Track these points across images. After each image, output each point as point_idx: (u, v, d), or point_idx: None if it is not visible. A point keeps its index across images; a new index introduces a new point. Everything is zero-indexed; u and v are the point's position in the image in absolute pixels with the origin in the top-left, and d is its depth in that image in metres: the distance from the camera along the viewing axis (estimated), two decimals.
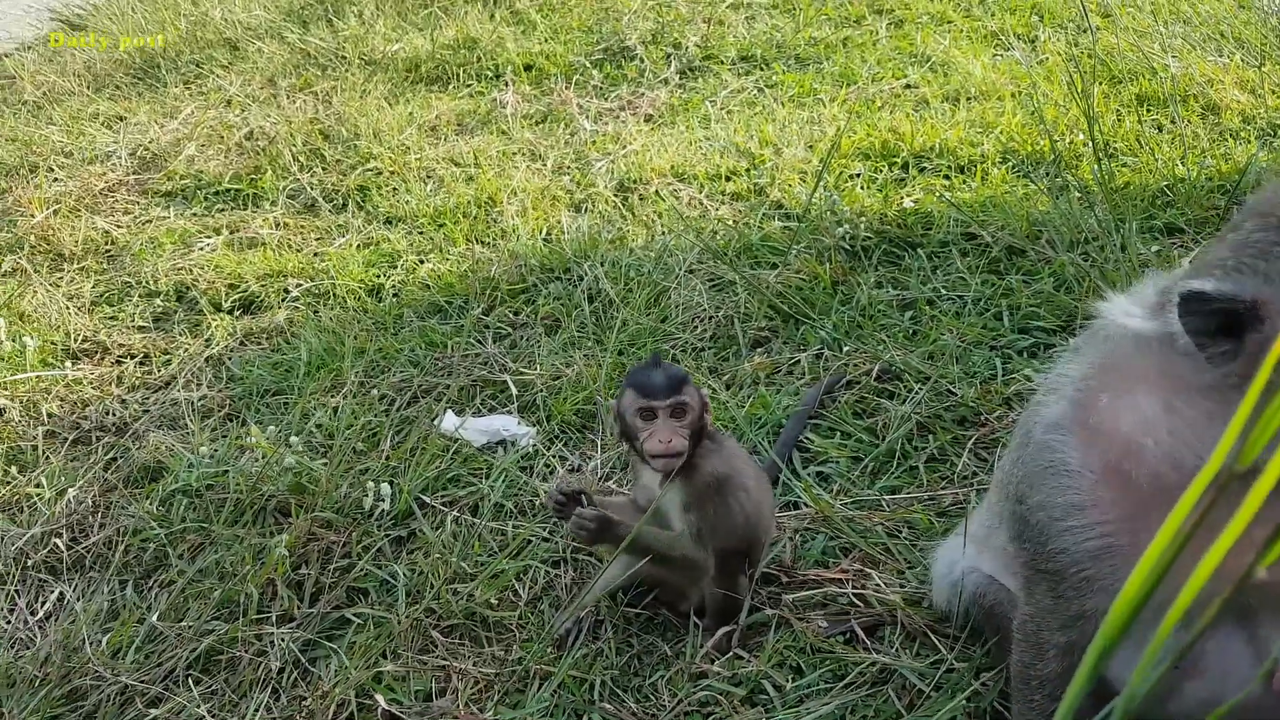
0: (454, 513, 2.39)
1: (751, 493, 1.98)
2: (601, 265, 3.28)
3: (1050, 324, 2.79)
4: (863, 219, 3.36)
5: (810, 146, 3.98)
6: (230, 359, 3.11)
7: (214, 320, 3.31)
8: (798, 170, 3.80)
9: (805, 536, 2.22)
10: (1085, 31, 4.74)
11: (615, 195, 3.83)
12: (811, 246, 3.25)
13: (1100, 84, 4.12)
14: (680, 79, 4.93)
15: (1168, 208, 3.26)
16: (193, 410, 2.88)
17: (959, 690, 1.75)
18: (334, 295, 3.42)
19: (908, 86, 4.50)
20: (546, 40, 5.58)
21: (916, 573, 2.08)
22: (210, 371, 3.07)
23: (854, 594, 2.02)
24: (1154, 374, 1.30)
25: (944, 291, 3.01)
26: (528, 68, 5.28)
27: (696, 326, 2.98)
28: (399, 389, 2.88)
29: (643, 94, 4.82)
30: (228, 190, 4.24)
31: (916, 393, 2.56)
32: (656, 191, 3.76)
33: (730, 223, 3.51)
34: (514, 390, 2.79)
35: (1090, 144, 3.35)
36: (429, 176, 4.20)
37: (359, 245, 3.74)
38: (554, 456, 2.55)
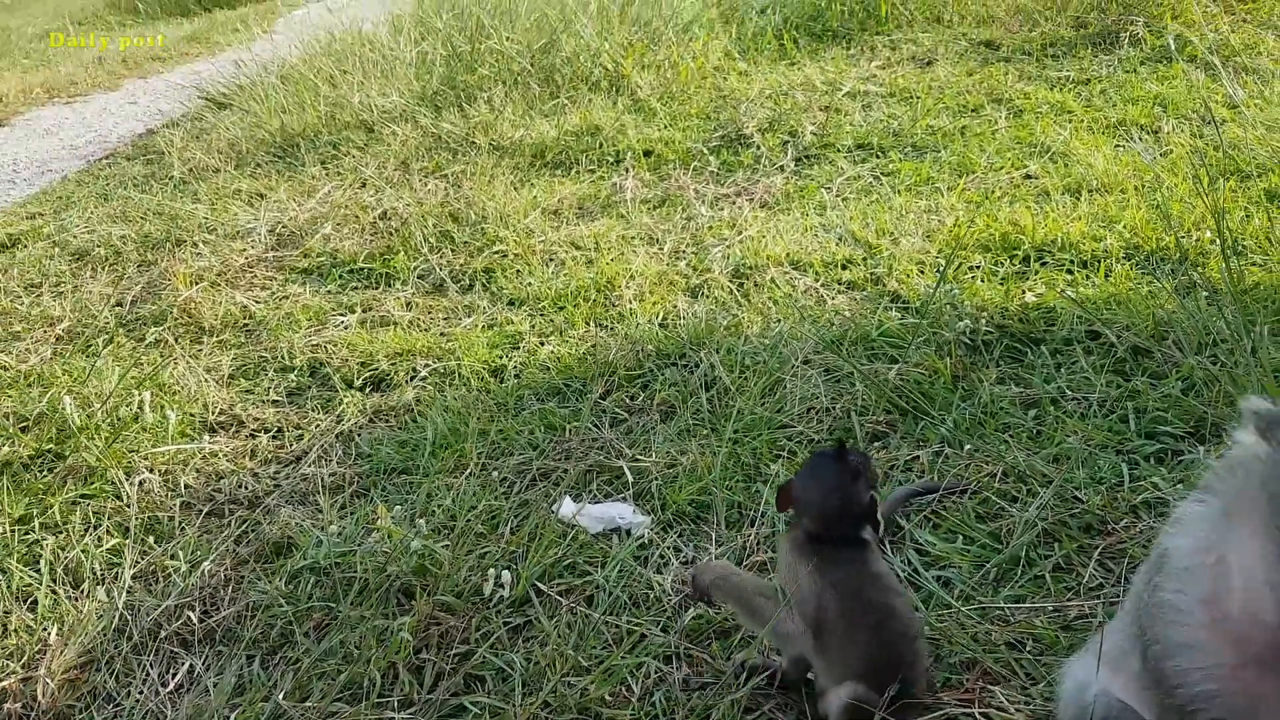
0: (569, 602, 2.42)
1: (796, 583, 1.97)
2: (717, 352, 3.32)
3: (1178, 429, 2.69)
4: (983, 313, 3.33)
5: (928, 236, 3.97)
6: (360, 436, 3.25)
7: (345, 397, 3.47)
8: (915, 260, 3.79)
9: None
10: (1210, 124, 4.64)
11: (730, 281, 3.88)
12: (930, 340, 3.22)
13: (1228, 179, 4.01)
14: (796, 166, 5.00)
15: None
16: (322, 486, 3.00)
17: None
18: (459, 375, 3.54)
19: (1028, 177, 4.47)
20: (665, 127, 5.75)
21: (1040, 689, 2.01)
22: (340, 448, 3.21)
23: (980, 713, 1.96)
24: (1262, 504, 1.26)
25: (1068, 391, 2.94)
26: (647, 154, 5.43)
27: (812, 419, 2.97)
28: (519, 471, 2.95)
29: (758, 180, 4.90)
30: (361, 269, 4.46)
31: (1041, 497, 2.50)
32: (772, 279, 3.79)
33: (847, 313, 3.51)
34: (629, 477, 2.83)
35: (1218, 241, 3.25)
36: (551, 259, 4.34)
37: (484, 326, 3.88)
38: (669, 547, 2.57)
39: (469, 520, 2.71)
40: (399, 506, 2.80)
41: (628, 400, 3.23)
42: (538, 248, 4.43)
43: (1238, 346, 2.83)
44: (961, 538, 2.46)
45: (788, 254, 3.98)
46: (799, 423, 2.96)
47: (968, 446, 2.76)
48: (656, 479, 2.81)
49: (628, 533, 2.65)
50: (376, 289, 4.29)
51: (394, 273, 4.37)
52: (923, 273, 3.70)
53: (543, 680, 2.18)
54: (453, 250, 4.46)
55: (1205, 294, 3.22)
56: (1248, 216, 3.72)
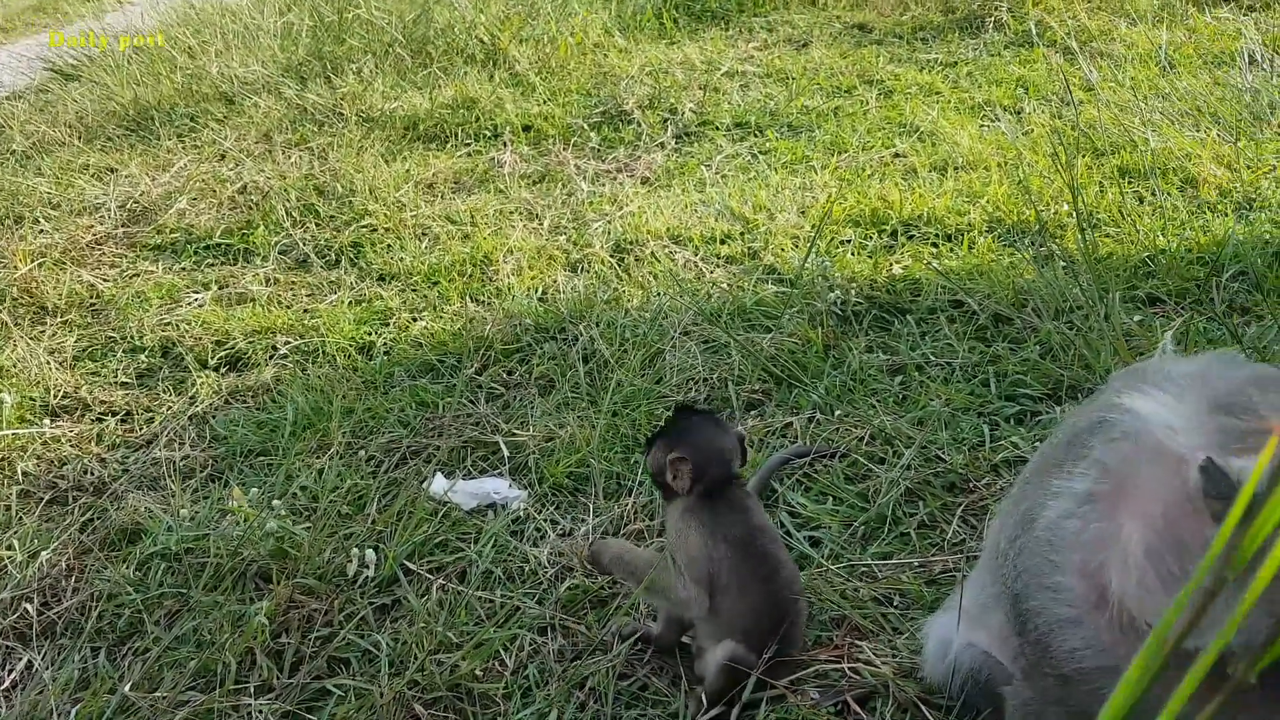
0: (440, 580, 2.34)
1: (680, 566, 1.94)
2: (597, 326, 3.27)
3: (1036, 392, 2.78)
4: (853, 285, 3.38)
5: (803, 212, 4.01)
6: (215, 418, 3.07)
7: (199, 378, 3.28)
8: (790, 235, 3.82)
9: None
10: (1068, 105, 4.83)
11: (611, 256, 3.84)
12: (804, 311, 3.25)
13: (1084, 156, 4.19)
14: (676, 143, 4.99)
15: (1149, 278, 3.28)
16: (174, 470, 2.83)
17: None
18: (323, 353, 3.39)
19: (896, 155, 4.56)
20: (545, 102, 5.65)
21: (906, 641, 2.04)
22: (194, 430, 3.03)
23: (848, 667, 1.98)
24: (1163, 498, 1.28)
25: (932, 357, 3.01)
26: (526, 128, 5.33)
27: (691, 389, 2.96)
28: (387, 450, 2.85)
29: (639, 157, 4.87)
30: (219, 245, 4.24)
31: (905, 458, 2.54)
32: (652, 253, 3.77)
33: (725, 286, 3.52)
34: (505, 452, 2.76)
35: (1074, 215, 3.38)
36: (424, 234, 4.21)
37: (351, 302, 3.73)
38: (545, 520, 2.51)
39: (332, 501, 2.59)
40: (255, 489, 2.66)
41: (505, 375, 3.15)
42: (410, 222, 4.29)
43: (1092, 312, 2.95)
44: (831, 499, 2.49)
45: (668, 229, 3.96)
46: (678, 393, 2.94)
47: (838, 412, 2.80)
48: (534, 453, 2.75)
49: (503, 507, 2.58)
50: (234, 265, 4.08)
51: (253, 248, 4.16)
52: (797, 247, 3.73)
53: (410, 659, 2.10)
54: (318, 225, 4.28)
55: (1062, 264, 3.34)
56: (1102, 192, 3.89)
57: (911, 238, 3.75)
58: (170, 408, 3.15)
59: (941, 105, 5.06)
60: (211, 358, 3.41)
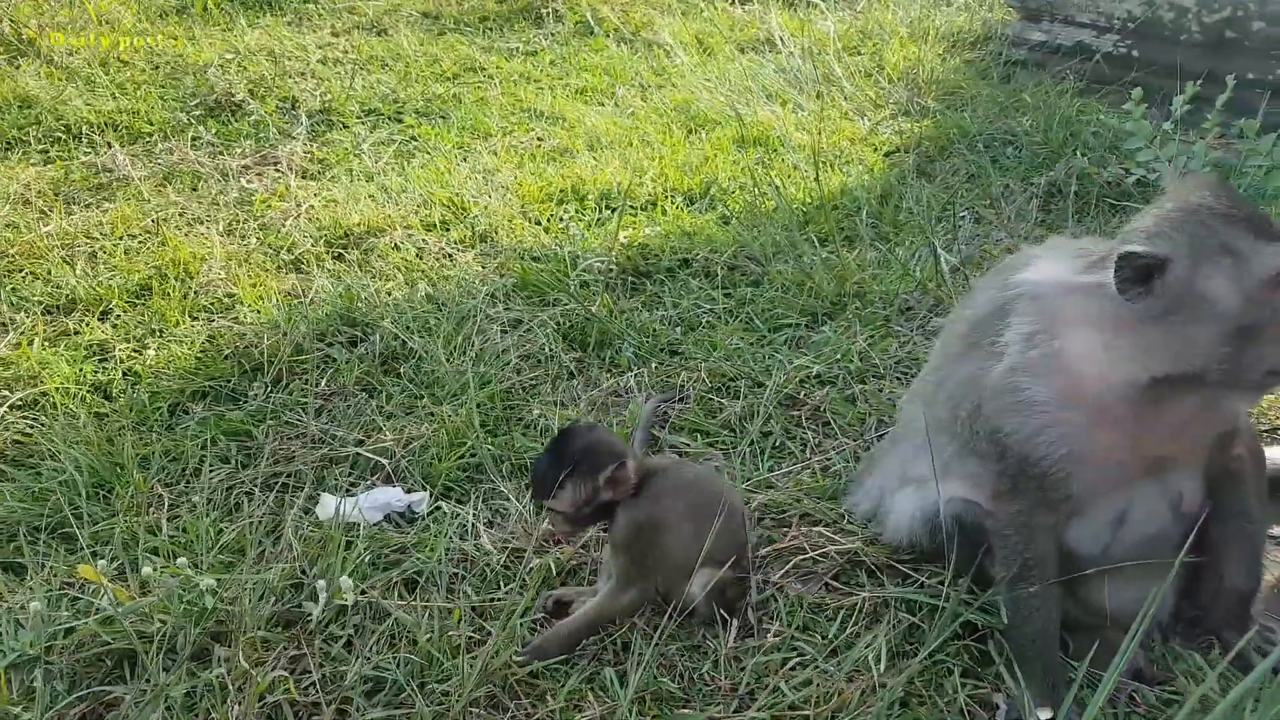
0: (404, 601, 2.24)
1: (676, 528, 2.16)
2: (384, 322, 3.17)
3: (793, 319, 3.37)
4: (595, 255, 3.69)
5: (506, 192, 4.18)
6: None
7: None
8: (507, 217, 3.99)
9: None
10: (648, 90, 5.57)
11: (329, 252, 3.66)
12: (572, 283, 3.49)
13: (705, 129, 4.93)
14: (310, 134, 4.76)
15: (809, 224, 4.09)
16: None
17: (951, 605, 2.17)
18: (53, 404, 2.82)
19: (539, 139, 4.90)
20: (118, 97, 4.95)
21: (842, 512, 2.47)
22: None
23: (816, 554, 2.37)
24: (1093, 317, 1.89)
25: (695, 308, 3.47)
26: (112, 126, 4.66)
27: (521, 367, 3.06)
28: (227, 489, 2.55)
29: (275, 148, 4.57)
30: None
31: (740, 388, 2.97)
32: (395, 245, 3.68)
33: (481, 269, 3.60)
34: (381, 462, 2.64)
35: (752, 178, 4.05)
36: (73, 254, 3.58)
37: (40, 342, 3.09)
38: (472, 515, 2.49)
39: (217, 554, 2.29)
40: (102, 560, 2.24)
41: (311, 387, 2.94)
42: (39, 244, 3.61)
43: (803, 253, 3.63)
44: (700, 434, 2.83)
45: (385, 218, 3.88)
46: (510, 374, 3.02)
47: (654, 364, 3.13)
48: (404, 456, 2.67)
49: (411, 512, 2.51)
50: None
51: None
52: (520, 226, 3.92)
53: (437, 675, 2.04)
54: None
55: (735, 221, 3.99)
56: (736, 161, 4.62)
57: (613, 210, 4.15)
58: None
59: (549, 91, 5.49)
60: None
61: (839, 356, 3.12)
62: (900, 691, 1.99)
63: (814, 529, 2.44)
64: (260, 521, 2.39)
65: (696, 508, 2.18)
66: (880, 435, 2.78)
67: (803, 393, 3.00)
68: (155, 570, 2.09)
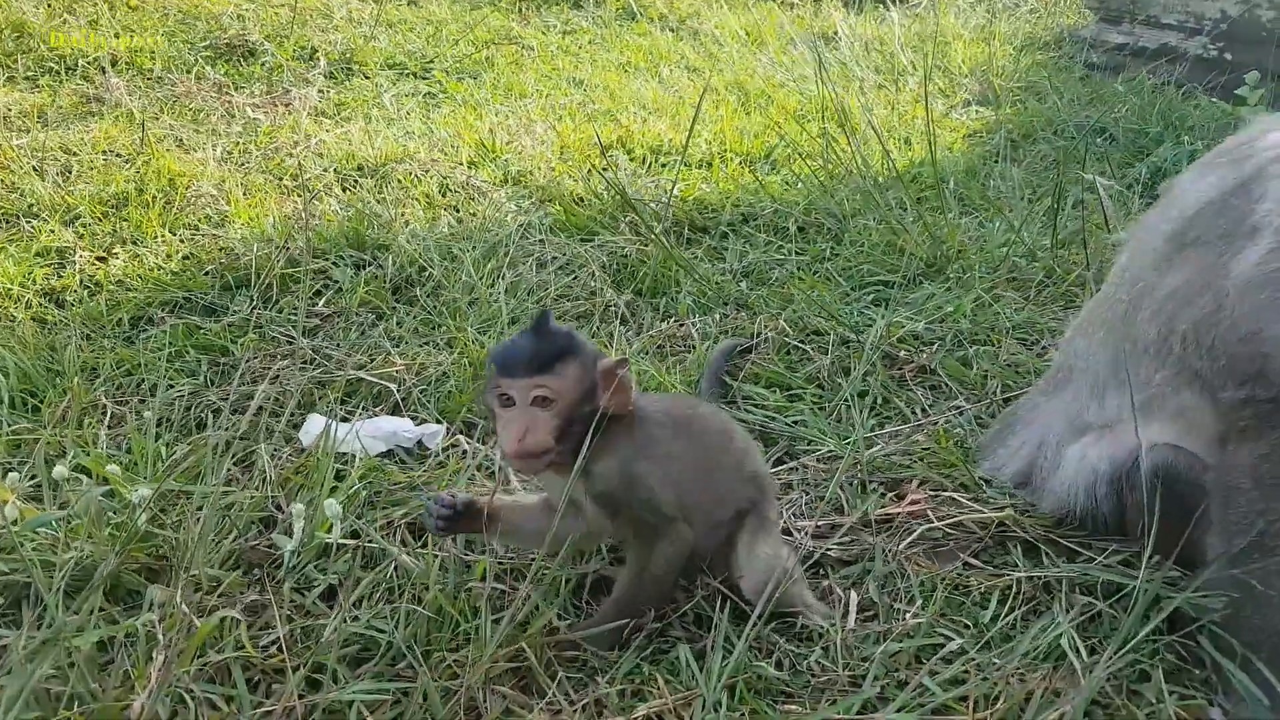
0: (416, 547, 1.69)
1: (676, 479, 1.53)
2: (399, 241, 2.66)
3: (884, 277, 2.85)
4: (649, 204, 3.19)
5: (543, 142, 3.70)
6: None
7: None
8: (544, 160, 3.50)
9: (817, 490, 1.95)
10: (695, 71, 5.12)
11: (338, 179, 3.16)
12: (621, 228, 2.98)
13: (757, 106, 4.47)
14: (327, 80, 4.30)
15: (889, 190, 3.57)
16: None
17: (1154, 586, 1.59)
18: None
19: (579, 104, 4.44)
20: (119, 35, 4.51)
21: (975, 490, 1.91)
22: None
23: (946, 525, 1.82)
24: None
25: (763, 261, 2.95)
26: (113, 63, 4.20)
27: (553, 303, 2.54)
28: (188, 408, 2.00)
29: (289, 91, 4.10)
30: None
31: (829, 342, 2.44)
32: (414, 176, 3.18)
33: (513, 206, 3.09)
34: (377, 388, 2.10)
35: (825, 140, 3.57)
36: (46, 165, 3.08)
37: None
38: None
39: (163, 477, 1.74)
40: (13, 474, 1.69)
41: (308, 307, 2.41)
42: (13, 153, 3.12)
43: (890, 214, 3.12)
44: (779, 388, 2.29)
45: (403, 153, 3.38)
46: (552, 306, 2.49)
47: (716, 314, 2.61)
48: (416, 385, 2.13)
49: (418, 447, 1.96)
50: None
51: None
52: (565, 169, 3.43)
53: (445, 641, 1.48)
54: None
55: (804, 183, 3.49)
56: (800, 130, 4.13)
57: (664, 165, 3.66)
58: None
59: (590, 63, 5.05)
60: None
61: (944, 317, 2.59)
62: (1093, 694, 1.42)
63: (941, 494, 1.89)
64: (229, 445, 1.84)
65: (699, 459, 1.60)
66: (1007, 399, 2.24)
67: (904, 352, 2.47)
68: (67, 475, 1.54)
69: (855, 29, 5.69)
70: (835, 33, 5.53)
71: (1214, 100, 4.07)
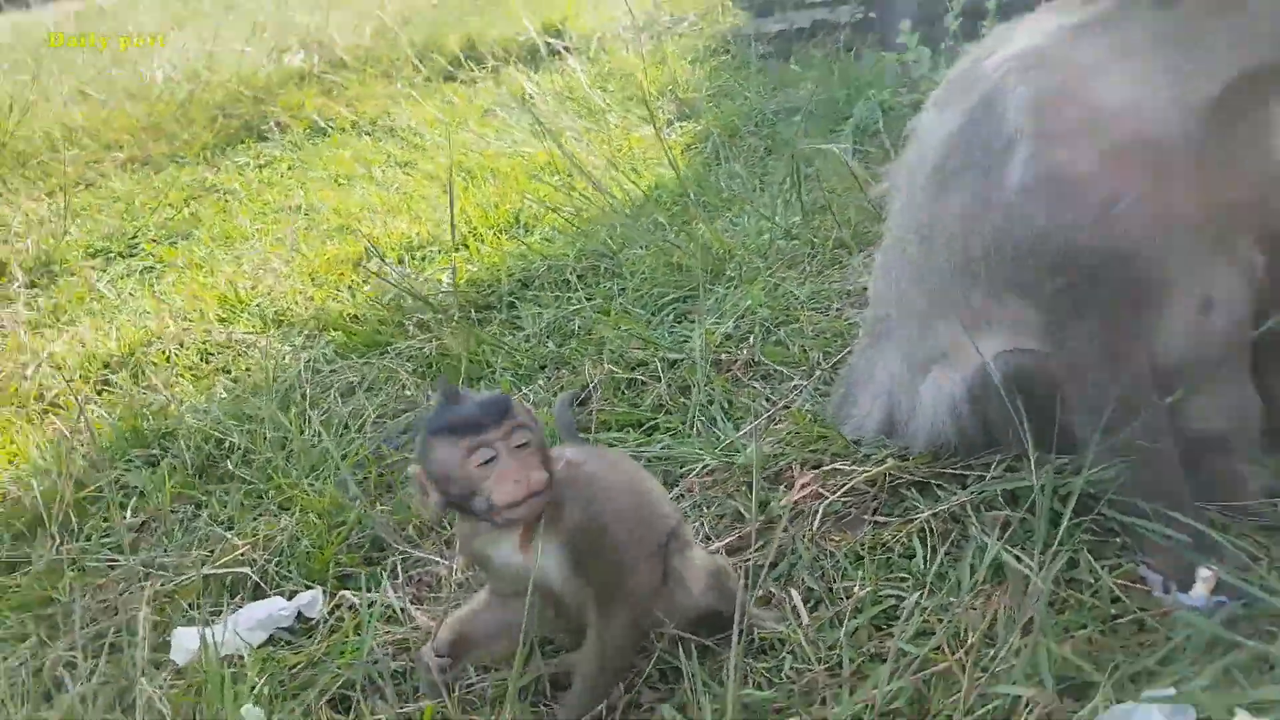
0: None
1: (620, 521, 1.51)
2: (186, 420, 2.43)
3: (674, 294, 2.88)
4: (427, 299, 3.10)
5: (288, 274, 3.51)
6: None
7: None
8: (296, 293, 3.32)
9: (713, 509, 1.96)
10: (407, 166, 5.07)
11: (87, 385, 2.86)
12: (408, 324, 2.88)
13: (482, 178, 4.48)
14: (30, 290, 3.89)
15: (639, 217, 3.66)
16: None
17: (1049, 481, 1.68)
18: None
19: (305, 228, 4.26)
20: None
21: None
22: None
23: (840, 497, 1.87)
24: (1121, 48, 1.54)
25: (561, 318, 2.94)
26: None
27: (376, 423, 2.40)
28: (39, 670, 1.72)
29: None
30: None
31: (661, 372, 2.47)
32: (167, 352, 2.92)
33: (287, 347, 2.91)
34: (230, 577, 1.90)
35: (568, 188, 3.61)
36: None
37: None
38: (393, 593, 1.80)
39: None
40: None
41: (117, 519, 2.14)
42: None
43: (654, 237, 3.21)
44: (631, 426, 2.29)
45: (146, 336, 3.10)
46: (373, 433, 2.36)
47: (540, 381, 2.57)
48: (269, 560, 1.95)
49: (303, 619, 1.79)
50: None
51: None
52: (323, 293, 3.27)
53: None
54: None
55: (560, 234, 3.53)
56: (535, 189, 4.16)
57: (424, 259, 3.57)
58: None
59: (300, 186, 4.87)
60: None
61: (744, 312, 2.69)
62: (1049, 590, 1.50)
63: (821, 470, 1.95)
64: (96, 697, 1.59)
65: (632, 491, 1.59)
66: (834, 365, 2.35)
67: (725, 354, 2.54)
68: None
69: (542, 86, 5.85)
70: (525, 94, 5.65)
71: (882, 54, 4.50)
